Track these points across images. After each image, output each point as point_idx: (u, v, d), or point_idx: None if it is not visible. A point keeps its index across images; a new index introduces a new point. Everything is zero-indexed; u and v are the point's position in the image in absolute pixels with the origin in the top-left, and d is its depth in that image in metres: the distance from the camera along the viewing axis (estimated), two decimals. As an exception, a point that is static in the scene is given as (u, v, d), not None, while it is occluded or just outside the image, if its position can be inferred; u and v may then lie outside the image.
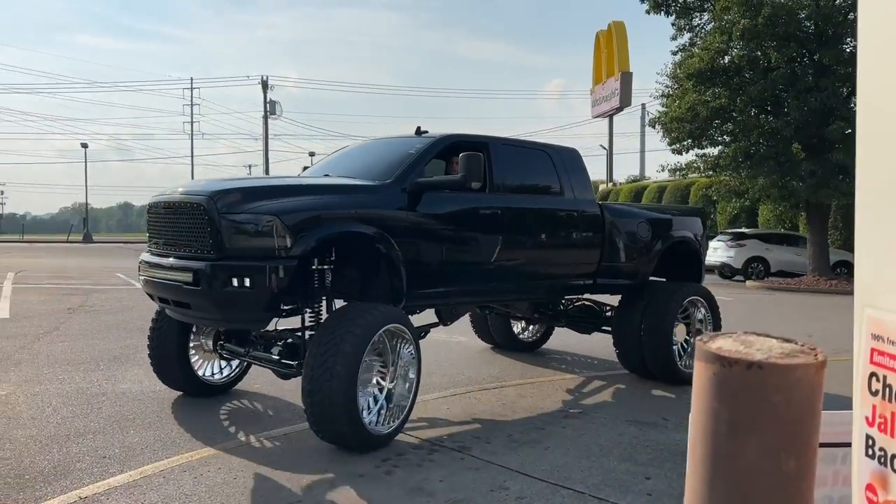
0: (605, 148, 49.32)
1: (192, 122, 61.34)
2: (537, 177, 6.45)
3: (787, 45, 19.27)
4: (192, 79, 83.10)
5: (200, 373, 6.01)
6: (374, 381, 4.81)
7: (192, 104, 61.27)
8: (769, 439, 0.87)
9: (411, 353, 4.98)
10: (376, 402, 4.78)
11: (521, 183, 6.24)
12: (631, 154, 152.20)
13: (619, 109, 45.18)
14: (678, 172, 23.72)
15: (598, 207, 6.71)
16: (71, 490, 3.96)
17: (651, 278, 7.22)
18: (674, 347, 6.69)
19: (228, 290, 4.48)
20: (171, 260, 4.86)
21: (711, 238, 24.97)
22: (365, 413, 4.57)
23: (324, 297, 5.13)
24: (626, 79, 43.56)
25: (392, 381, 4.88)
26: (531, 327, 8.62)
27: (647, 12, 22.55)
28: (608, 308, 7.46)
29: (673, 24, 23.06)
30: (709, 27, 21.99)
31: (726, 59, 20.49)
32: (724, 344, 0.94)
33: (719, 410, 0.88)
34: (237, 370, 6.26)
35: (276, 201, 4.66)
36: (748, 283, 21.76)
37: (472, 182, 5.22)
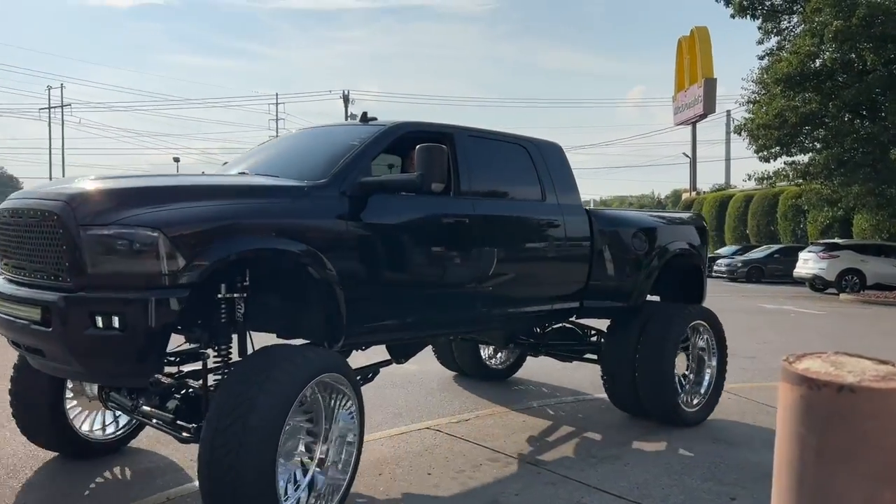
0: (688, 156, 48.18)
1: (277, 135, 63.34)
2: (514, 177, 5.30)
3: (884, 46, 18.37)
4: (277, 94, 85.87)
5: (84, 427, 4.67)
6: (300, 451, 3.63)
7: (277, 118, 63.35)
8: (862, 468, 0.81)
9: (351, 414, 3.80)
10: (302, 479, 3.60)
11: (493, 184, 5.12)
12: (715, 162, 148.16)
13: (703, 116, 44.14)
14: (766, 181, 22.92)
15: (585, 214, 5.64)
16: (153, 492, 4.11)
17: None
18: (675, 383, 5.58)
19: (91, 334, 3.23)
20: (16, 288, 3.58)
21: (801, 249, 23.97)
22: (285, 496, 3.44)
23: (235, 335, 3.91)
24: (710, 85, 42.52)
25: (324, 451, 3.69)
26: (502, 352, 7.47)
27: (732, 16, 21.96)
28: (593, 332, 6.30)
29: (759, 28, 22.37)
30: (798, 30, 21.22)
31: (817, 62, 19.71)
32: (812, 365, 0.88)
33: (806, 436, 0.83)
34: (133, 423, 4.81)
35: (161, 208, 3.40)
36: (842, 296, 20.73)
37: (432, 183, 4.06)
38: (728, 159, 53.45)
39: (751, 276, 27.30)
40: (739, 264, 27.93)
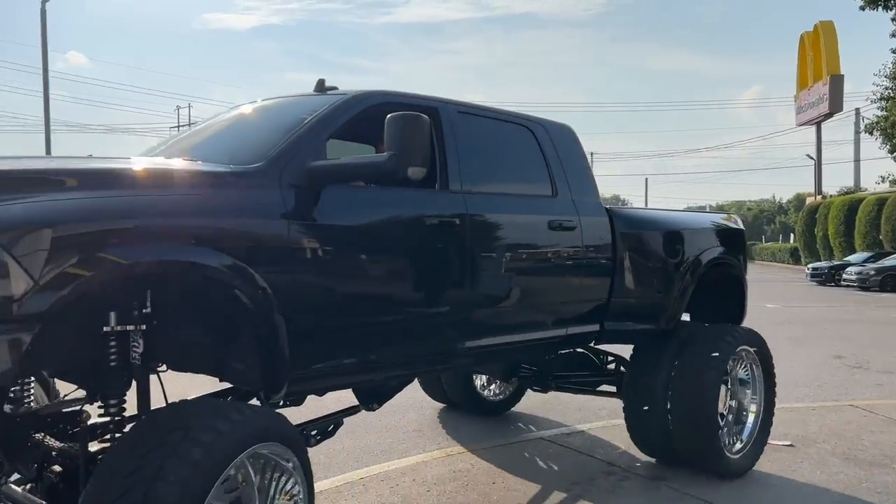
0: (812, 158, 45.70)
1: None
2: (517, 166, 4.32)
3: None
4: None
5: None
6: None
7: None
8: None
9: (295, 502, 2.80)
10: None
11: (491, 175, 4.03)
12: (843, 164, 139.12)
13: (829, 116, 41.82)
14: (902, 183, 21.37)
15: (605, 214, 4.60)
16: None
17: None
18: (718, 425, 4.53)
19: None
20: None
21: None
22: None
23: (137, 382, 2.90)
24: (837, 82, 40.22)
25: None
26: (498, 382, 6.25)
27: (862, 8, 20.71)
28: (610, 358, 5.19)
29: (893, 20, 20.93)
30: (938, 19, 19.69)
31: (960, 53, 18.19)
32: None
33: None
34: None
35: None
36: None
37: (408, 167, 2.95)
38: (857, 160, 50.24)
39: (885, 284, 25.45)
40: (872, 272, 26.14)
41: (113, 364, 2.70)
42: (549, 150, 4.42)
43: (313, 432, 3.53)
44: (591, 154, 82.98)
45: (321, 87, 3.78)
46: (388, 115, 2.98)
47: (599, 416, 6.18)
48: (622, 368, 5.03)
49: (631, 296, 4.63)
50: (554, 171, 4.39)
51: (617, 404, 4.99)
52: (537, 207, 4.22)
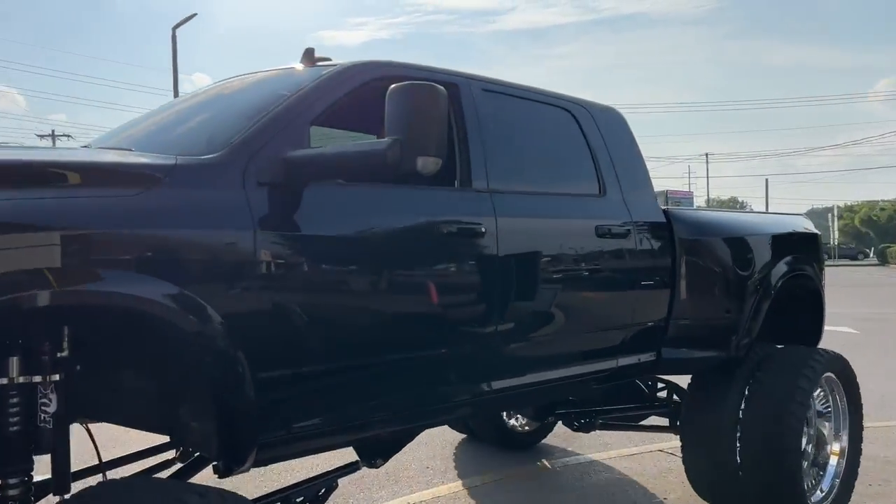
0: (956, 153, 42.03)
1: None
2: (557, 158, 3.58)
3: None
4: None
5: None
6: None
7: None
8: None
9: None
10: None
11: (525, 170, 3.31)
12: None
13: (976, 106, 38.32)
14: None
15: (663, 216, 3.83)
16: (401, 496, 4.34)
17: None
18: (801, 468, 3.77)
19: None
20: None
21: None
22: None
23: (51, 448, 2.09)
24: (984, 69, 36.83)
25: None
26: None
27: None
28: (661, 384, 4.44)
29: None
30: None
31: None
32: None
33: None
34: None
35: None
36: None
37: (417, 156, 2.22)
38: None
39: None
40: None
41: (14, 429, 1.96)
42: (594, 138, 3.65)
43: (299, 499, 2.74)
44: (707, 155, 79.78)
45: (309, 57, 2.92)
46: (391, 87, 2.26)
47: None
48: (675, 397, 4.36)
49: (694, 316, 3.86)
50: (601, 165, 3.62)
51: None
52: (582, 210, 3.49)
